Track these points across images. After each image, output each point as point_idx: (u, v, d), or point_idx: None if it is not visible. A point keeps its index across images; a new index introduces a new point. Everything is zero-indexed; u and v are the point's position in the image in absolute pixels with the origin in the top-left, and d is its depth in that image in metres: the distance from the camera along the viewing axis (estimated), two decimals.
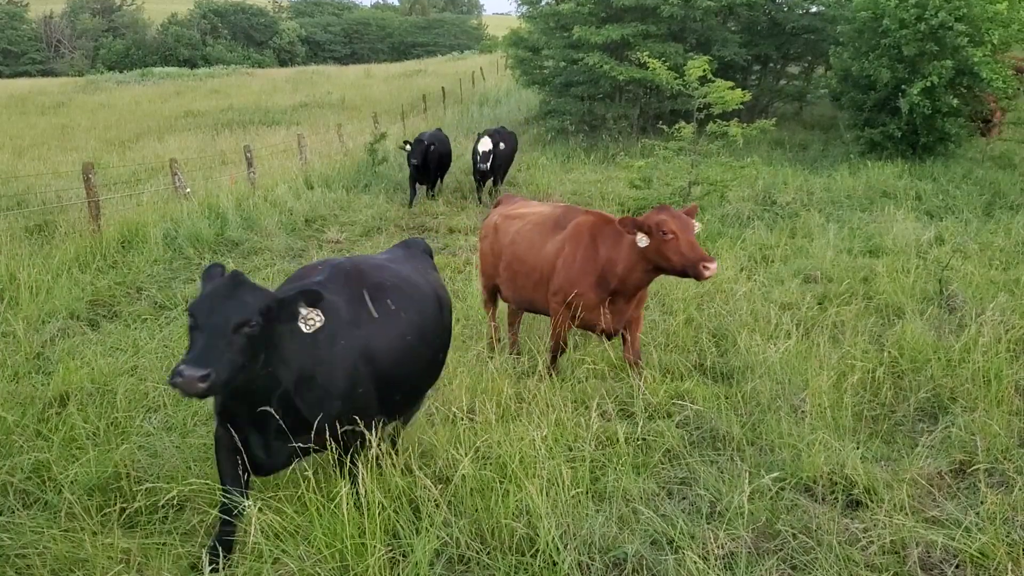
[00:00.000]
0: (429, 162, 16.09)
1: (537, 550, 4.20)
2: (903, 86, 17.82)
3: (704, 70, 12.58)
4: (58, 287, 9.31)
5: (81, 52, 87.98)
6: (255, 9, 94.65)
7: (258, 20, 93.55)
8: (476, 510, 4.51)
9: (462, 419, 5.31)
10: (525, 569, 4.13)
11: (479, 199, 16.48)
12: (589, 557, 4.25)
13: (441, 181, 17.74)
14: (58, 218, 13.06)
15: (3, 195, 16.99)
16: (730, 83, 12.94)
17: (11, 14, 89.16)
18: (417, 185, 16.48)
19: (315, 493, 4.30)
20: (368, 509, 4.24)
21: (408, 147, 16.07)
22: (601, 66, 22.69)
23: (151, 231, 11.65)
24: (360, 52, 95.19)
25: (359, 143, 21.86)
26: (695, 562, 4.06)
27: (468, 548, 4.29)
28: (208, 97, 43.57)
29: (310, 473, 4.42)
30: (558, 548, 4.19)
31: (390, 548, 4.20)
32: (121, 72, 64.34)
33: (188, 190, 14.20)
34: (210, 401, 4.47)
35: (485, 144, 15.93)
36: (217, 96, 43.77)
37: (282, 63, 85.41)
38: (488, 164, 16.02)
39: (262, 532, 4.10)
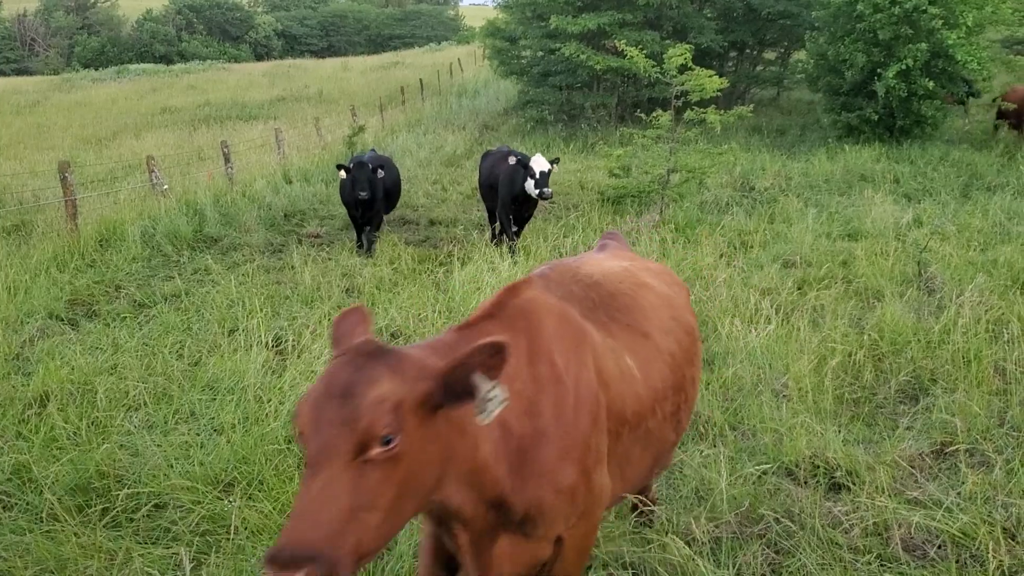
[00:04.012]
0: (376, 195, 11.15)
1: None
2: (879, 70, 17.94)
3: (684, 58, 12.59)
4: (36, 287, 9.23)
5: (56, 50, 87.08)
6: (230, 4, 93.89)
7: (234, 15, 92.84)
8: None
9: None
10: None
11: (511, 248, 10.80)
12: None
13: (379, 225, 12.05)
14: (35, 218, 12.94)
15: None
16: (710, 71, 12.95)
17: None
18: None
19: None
20: None
21: (344, 173, 11.09)
22: (578, 56, 22.67)
23: (129, 229, 11.55)
24: (337, 45, 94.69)
25: (337, 136, 21.77)
26: (679, 548, 4.08)
27: None
28: (185, 93, 43.22)
29: None
30: None
31: None
32: (97, 70, 63.74)
33: (166, 187, 14.09)
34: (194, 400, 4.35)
35: (541, 163, 10.61)
36: (194, 92, 43.44)
37: (258, 57, 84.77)
38: (544, 190, 10.52)
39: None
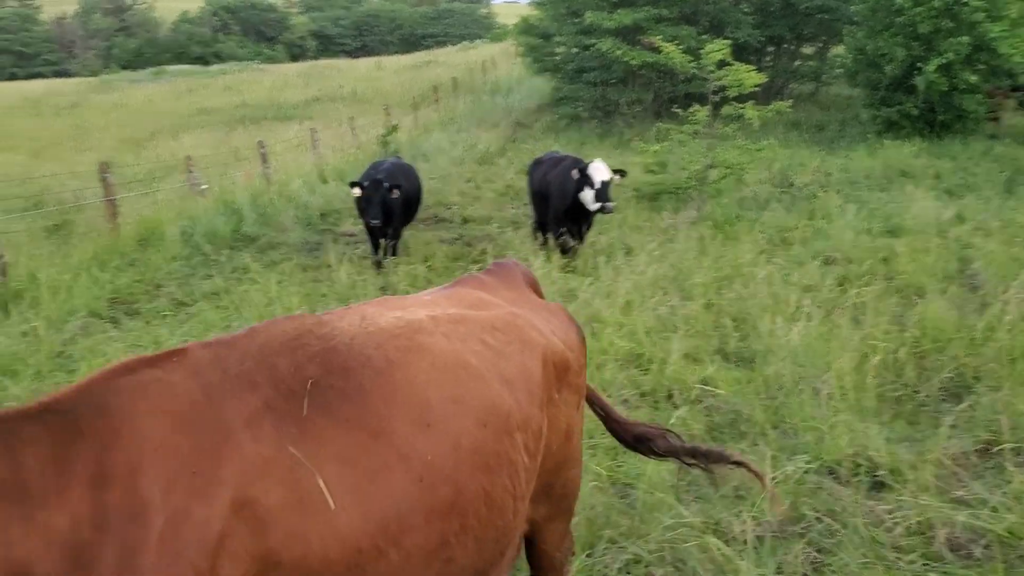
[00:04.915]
0: (392, 210, 10.35)
1: None
2: (919, 64, 17.68)
3: (723, 53, 12.48)
4: (78, 286, 9.35)
5: (94, 52, 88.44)
6: (265, 5, 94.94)
7: (269, 15, 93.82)
8: None
9: None
10: None
11: (571, 252, 9.96)
12: (611, 543, 4.24)
13: (398, 235, 11.03)
14: (76, 218, 13.15)
15: (21, 196, 17.14)
16: (749, 66, 12.83)
17: (24, 16, 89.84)
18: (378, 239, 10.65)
19: None
20: None
21: (358, 190, 10.24)
22: (614, 51, 22.58)
23: (168, 229, 11.70)
24: (371, 45, 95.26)
25: (371, 136, 21.88)
26: (719, 547, 4.04)
27: None
28: (221, 94, 43.72)
29: None
30: (584, 542, 4.18)
31: None
32: (134, 71, 64.71)
33: (204, 187, 14.24)
34: None
35: (603, 171, 9.63)
36: (230, 93, 43.93)
37: (293, 58, 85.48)
38: (605, 203, 9.61)
39: None
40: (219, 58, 78.19)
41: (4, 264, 9.55)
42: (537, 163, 11.32)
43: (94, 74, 71.13)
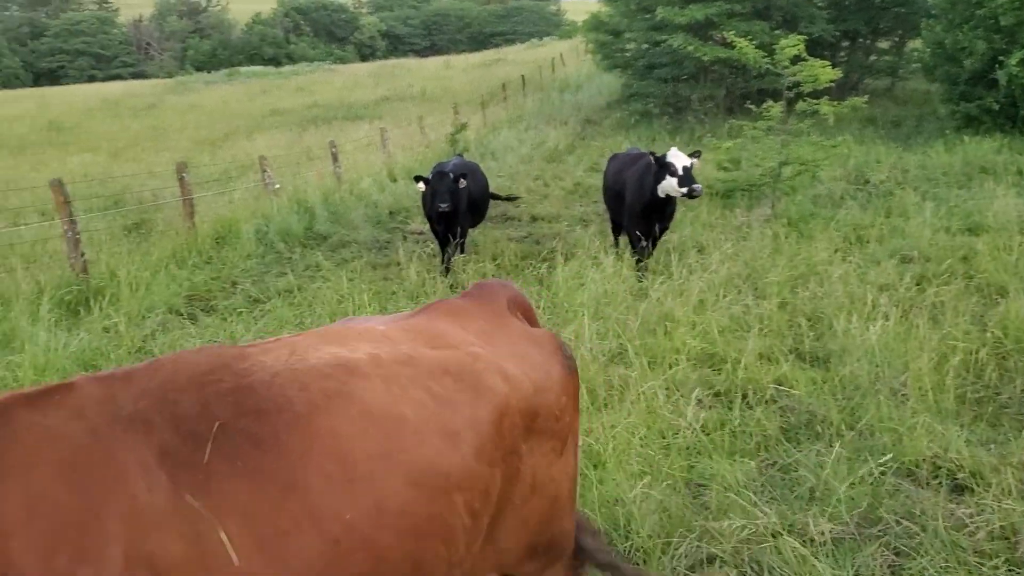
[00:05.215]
0: (459, 206, 10.08)
1: (632, 541, 4.18)
2: (1000, 57, 17.16)
3: (797, 49, 12.27)
4: (157, 283, 9.60)
5: (170, 54, 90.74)
6: (336, 5, 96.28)
7: (339, 16, 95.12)
8: None
9: None
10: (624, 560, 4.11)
11: (640, 269, 9.36)
12: (682, 539, 4.21)
13: (465, 235, 10.79)
14: (154, 216, 13.52)
15: (101, 195, 17.68)
16: (824, 62, 12.59)
17: (102, 19, 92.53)
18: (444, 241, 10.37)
19: None
20: None
21: (423, 184, 10.14)
22: (685, 47, 22.38)
23: (243, 227, 11.95)
24: (439, 44, 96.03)
25: (440, 134, 22.05)
26: (794, 548, 3.99)
27: None
28: (293, 95, 44.45)
29: None
30: (658, 542, 4.16)
31: None
32: (208, 72, 66.20)
33: (277, 186, 14.50)
34: None
35: (682, 157, 9.20)
36: (302, 93, 44.64)
37: (363, 58, 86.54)
38: (693, 186, 9.08)
39: None
40: (291, 59, 79.57)
41: (85, 262, 9.84)
42: (612, 160, 11.01)
43: (170, 76, 73.02)
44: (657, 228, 9.63)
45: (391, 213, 14.35)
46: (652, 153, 9.31)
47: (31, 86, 75.83)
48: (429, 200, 10.10)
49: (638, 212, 9.59)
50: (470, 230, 11.20)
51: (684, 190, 9.01)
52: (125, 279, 9.46)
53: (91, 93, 55.73)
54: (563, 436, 2.88)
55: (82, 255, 9.85)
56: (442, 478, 2.30)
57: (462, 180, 9.92)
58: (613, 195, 10.38)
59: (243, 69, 65.82)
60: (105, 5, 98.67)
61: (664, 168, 9.13)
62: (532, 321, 3.25)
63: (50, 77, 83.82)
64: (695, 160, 9.35)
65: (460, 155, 13.50)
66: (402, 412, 2.31)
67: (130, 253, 10.63)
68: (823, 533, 4.18)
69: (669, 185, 9.12)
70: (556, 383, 2.86)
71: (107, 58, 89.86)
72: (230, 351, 2.24)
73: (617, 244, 10.68)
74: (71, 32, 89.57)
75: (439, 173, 9.97)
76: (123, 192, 17.41)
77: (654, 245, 9.62)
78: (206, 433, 1.98)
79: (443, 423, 2.39)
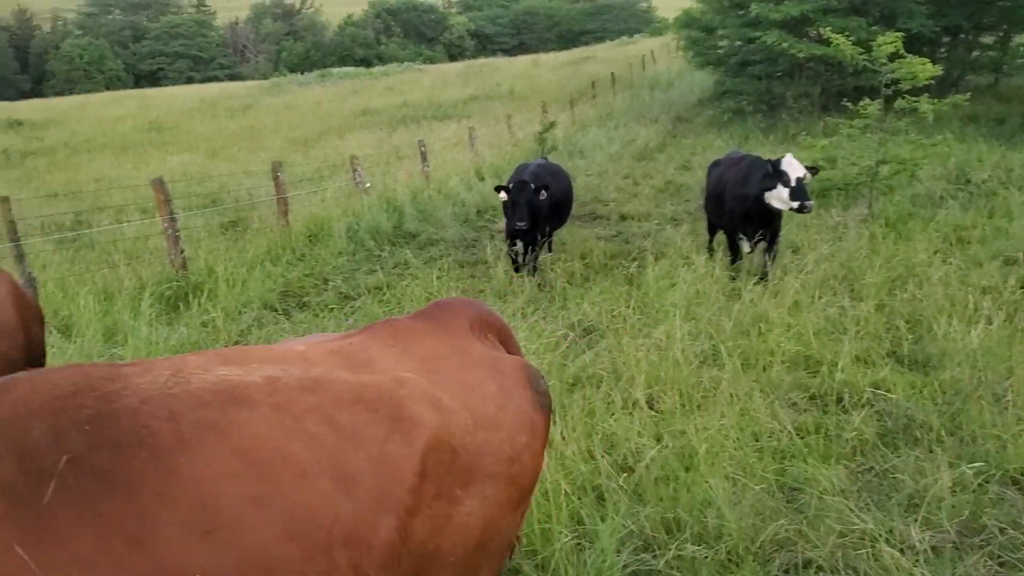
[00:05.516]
0: (540, 212, 9.56)
1: (724, 544, 4.10)
2: None
3: (895, 46, 11.91)
4: (252, 279, 9.81)
5: (264, 56, 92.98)
6: (426, 6, 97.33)
7: (428, 17, 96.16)
8: (661, 499, 4.45)
9: (643, 407, 5.26)
10: (714, 560, 4.04)
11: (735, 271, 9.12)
12: (779, 547, 4.11)
13: (549, 235, 10.57)
14: (250, 214, 13.83)
15: (199, 194, 18.21)
16: (923, 59, 12.18)
17: (200, 22, 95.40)
18: (519, 246, 9.81)
19: None
20: (553, 496, 4.25)
21: (504, 194, 9.50)
22: (780, 44, 21.96)
23: (335, 225, 12.14)
24: (528, 42, 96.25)
25: (528, 133, 22.03)
26: (893, 556, 3.86)
27: (654, 538, 4.23)
28: (383, 95, 45.03)
29: None
30: (750, 546, 4.08)
31: (575, 534, 4.19)
32: (302, 74, 67.53)
33: (368, 185, 14.69)
34: None
35: (797, 167, 8.50)
36: (392, 93, 45.20)
37: (452, 58, 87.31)
38: (805, 201, 8.41)
39: None
40: (381, 60, 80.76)
41: (185, 258, 10.12)
42: (715, 164, 10.38)
43: (264, 77, 74.85)
44: (763, 235, 8.89)
45: (479, 212, 14.41)
46: (773, 164, 8.56)
47: (132, 88, 78.67)
48: (509, 212, 9.56)
49: (738, 217, 9.03)
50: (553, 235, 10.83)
51: (795, 204, 8.35)
52: (222, 275, 9.69)
53: (189, 94, 57.46)
54: (522, 484, 2.51)
55: (181, 252, 10.12)
56: (324, 530, 1.94)
57: (543, 191, 9.36)
58: (714, 199, 9.80)
59: (335, 70, 67.02)
60: (203, 8, 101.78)
61: (777, 176, 8.46)
62: (508, 344, 2.90)
63: (150, 79, 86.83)
64: (810, 174, 8.70)
65: (545, 157, 13.09)
66: (288, 449, 1.97)
67: (227, 250, 10.89)
68: (922, 540, 4.03)
69: (779, 195, 8.47)
70: (513, 419, 2.50)
71: (205, 60, 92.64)
72: (104, 369, 1.92)
73: (711, 246, 10.43)
74: (170, 35, 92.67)
75: (519, 183, 9.40)
76: (220, 191, 17.88)
77: (772, 258, 8.92)
78: (53, 468, 1.67)
79: (339, 463, 2.03)
